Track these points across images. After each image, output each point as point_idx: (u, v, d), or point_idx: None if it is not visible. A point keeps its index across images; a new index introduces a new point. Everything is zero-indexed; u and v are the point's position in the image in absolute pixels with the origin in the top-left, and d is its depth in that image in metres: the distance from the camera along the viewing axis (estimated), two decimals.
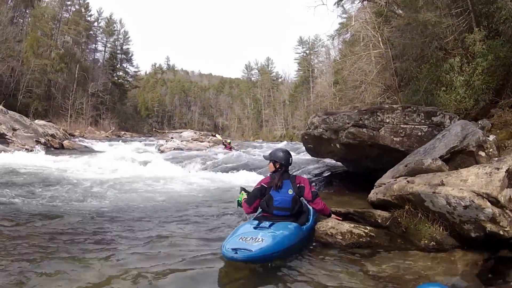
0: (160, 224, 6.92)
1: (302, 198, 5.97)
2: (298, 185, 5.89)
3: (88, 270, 4.45)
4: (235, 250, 4.57)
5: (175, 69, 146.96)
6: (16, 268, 4.39)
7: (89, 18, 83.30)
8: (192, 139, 39.19)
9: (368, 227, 5.95)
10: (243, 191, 6.63)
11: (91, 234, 6.08)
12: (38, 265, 4.54)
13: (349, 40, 35.49)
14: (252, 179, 12.10)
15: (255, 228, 5.25)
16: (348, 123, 10.20)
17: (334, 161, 13.94)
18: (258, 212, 6.08)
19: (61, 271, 4.37)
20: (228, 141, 29.01)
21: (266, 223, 5.37)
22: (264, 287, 4.31)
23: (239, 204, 6.41)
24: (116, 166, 15.69)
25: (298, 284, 4.37)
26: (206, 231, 6.56)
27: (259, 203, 5.86)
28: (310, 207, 6.32)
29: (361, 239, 5.71)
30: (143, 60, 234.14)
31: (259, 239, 4.81)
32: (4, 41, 55.26)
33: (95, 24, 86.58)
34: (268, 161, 6.05)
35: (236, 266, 4.69)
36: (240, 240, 4.81)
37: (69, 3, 77.54)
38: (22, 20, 69.90)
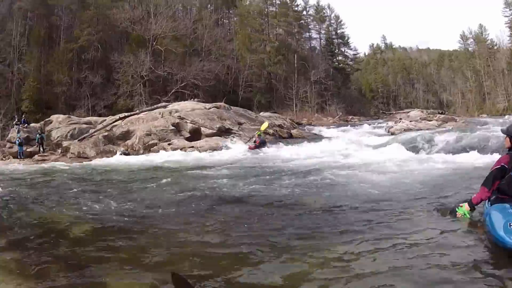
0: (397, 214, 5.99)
1: None
2: None
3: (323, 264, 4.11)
4: None
5: (393, 47, 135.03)
6: (239, 245, 4.71)
7: (296, 8, 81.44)
8: (420, 118, 37.79)
9: None
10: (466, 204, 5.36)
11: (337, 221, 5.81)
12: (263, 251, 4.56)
13: None
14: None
15: None
16: None
17: None
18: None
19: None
20: (258, 133, 22.40)
21: None
22: None
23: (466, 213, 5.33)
24: (348, 152, 15.42)
25: None
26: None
27: (497, 185, 4.97)
28: None
29: None
30: (360, 42, 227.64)
31: None
32: (214, 42, 57.46)
33: (304, 13, 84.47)
34: (505, 135, 5.11)
35: None
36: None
37: None
38: (227, 21, 72.58)
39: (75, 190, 9.58)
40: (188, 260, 4.36)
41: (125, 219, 6.36)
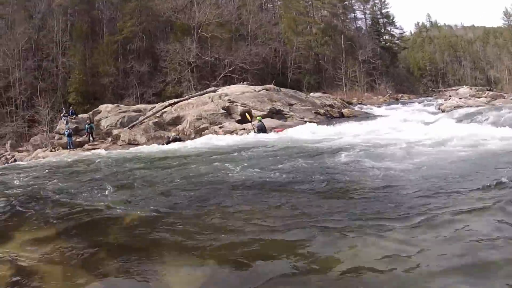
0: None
1: None
2: None
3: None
4: None
5: (438, 25, 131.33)
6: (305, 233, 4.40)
7: None
8: (469, 95, 37.56)
9: None
10: None
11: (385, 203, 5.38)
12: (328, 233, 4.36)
13: None
14: None
15: None
16: None
17: None
18: None
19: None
20: (258, 118, 21.26)
21: None
22: None
23: None
24: (401, 128, 15.09)
25: None
26: None
27: None
28: None
29: None
30: (405, 20, 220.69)
31: None
32: (259, 26, 56.73)
33: None
34: None
35: None
36: None
37: None
38: (271, 5, 71.64)
39: (124, 176, 9.17)
40: (242, 246, 4.16)
41: (177, 204, 6.09)
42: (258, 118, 21.04)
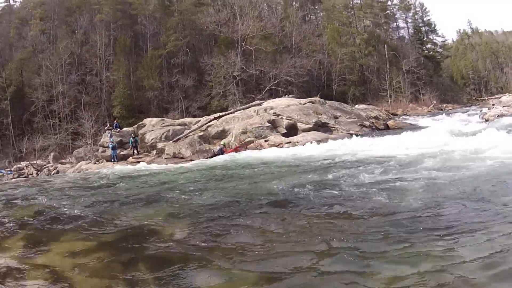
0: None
1: None
2: None
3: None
4: None
5: (479, 31, 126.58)
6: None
7: None
8: None
9: None
10: None
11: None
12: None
13: None
14: None
15: None
16: None
17: None
18: None
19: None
20: (223, 142, 23.42)
21: None
22: None
23: None
24: (445, 140, 14.25)
25: None
26: None
27: None
28: None
29: None
30: (447, 28, 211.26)
31: None
32: (303, 38, 55.02)
33: (388, 3, 78.00)
34: None
35: None
36: None
37: None
38: (314, 17, 70.17)
39: (166, 189, 9.14)
40: (282, 261, 4.13)
41: (220, 216, 6.08)
42: (223, 142, 22.95)
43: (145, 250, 4.60)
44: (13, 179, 25.75)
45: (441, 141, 14.24)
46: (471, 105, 57.28)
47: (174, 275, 3.82)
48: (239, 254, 4.27)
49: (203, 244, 4.69)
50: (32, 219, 6.59)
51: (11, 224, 6.30)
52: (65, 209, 7.14)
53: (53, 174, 26.48)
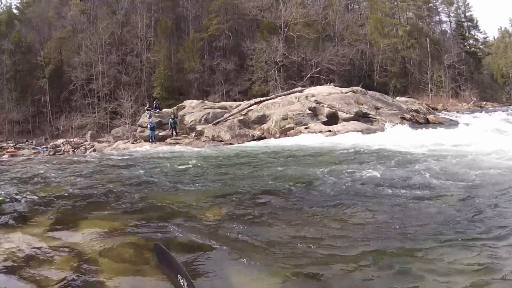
0: None
1: None
2: None
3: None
4: None
5: None
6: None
7: None
8: None
9: None
10: None
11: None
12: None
13: None
14: None
15: None
16: None
17: None
18: None
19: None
20: None
21: None
22: None
23: None
24: (488, 138, 13.42)
25: None
26: None
27: None
28: None
29: None
30: (488, 24, 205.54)
31: None
32: (346, 27, 53.55)
33: None
34: None
35: None
36: None
37: None
38: (357, 6, 67.85)
39: (205, 172, 8.94)
40: (318, 257, 3.78)
41: (256, 205, 5.69)
42: None
43: (176, 235, 4.35)
44: (48, 156, 25.83)
45: (483, 138, 13.72)
46: (510, 105, 55.29)
47: (202, 263, 3.63)
48: (272, 249, 3.95)
49: (235, 233, 4.38)
50: (61, 197, 6.25)
51: (41, 202, 6.00)
52: (96, 188, 6.98)
53: (90, 152, 26.48)
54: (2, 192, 6.75)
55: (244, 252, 3.83)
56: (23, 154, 28.45)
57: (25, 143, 37.72)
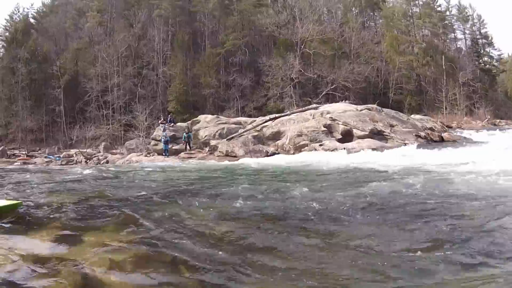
0: None
1: None
2: None
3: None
4: None
5: None
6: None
7: (439, 9, 71.36)
8: None
9: None
10: None
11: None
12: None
13: None
14: None
15: None
16: None
17: None
18: None
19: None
20: None
21: None
22: None
23: None
24: (501, 157, 12.63)
25: None
26: None
27: None
28: None
29: None
30: (502, 41, 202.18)
31: None
32: (362, 44, 52.88)
33: (447, 13, 73.55)
34: None
35: None
36: None
37: None
38: (373, 23, 66.70)
39: (219, 187, 8.66)
40: (321, 275, 3.57)
41: (272, 222, 5.46)
42: None
43: (189, 251, 4.05)
44: (61, 165, 25.52)
45: (497, 156, 13.04)
46: None
47: (217, 283, 3.35)
48: (285, 268, 3.63)
49: (251, 252, 4.05)
50: (71, 207, 5.97)
51: (49, 210, 5.74)
52: (107, 200, 6.78)
53: (102, 163, 26.07)
54: (18, 196, 6.57)
55: (260, 274, 3.53)
56: (35, 162, 28.31)
57: (37, 151, 37.63)
